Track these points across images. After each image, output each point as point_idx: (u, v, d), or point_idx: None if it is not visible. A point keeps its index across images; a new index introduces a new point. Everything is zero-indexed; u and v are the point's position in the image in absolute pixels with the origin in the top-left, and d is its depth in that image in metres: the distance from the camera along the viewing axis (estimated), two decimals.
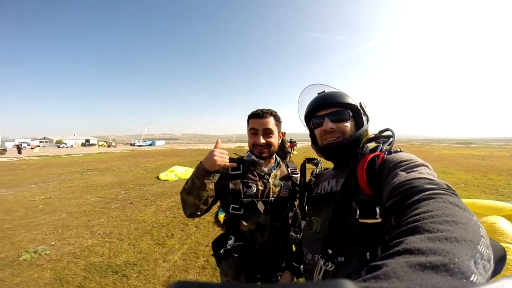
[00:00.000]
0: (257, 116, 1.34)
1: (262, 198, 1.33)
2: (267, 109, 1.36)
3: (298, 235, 1.44)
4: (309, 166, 1.31)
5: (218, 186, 1.28)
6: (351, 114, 1.01)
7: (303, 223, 1.16)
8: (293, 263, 1.30)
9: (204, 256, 3.40)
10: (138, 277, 2.93)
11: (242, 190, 1.31)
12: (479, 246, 0.36)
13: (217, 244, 1.38)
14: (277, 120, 1.39)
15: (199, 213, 1.21)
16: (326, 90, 1.12)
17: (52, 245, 3.86)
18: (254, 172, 1.38)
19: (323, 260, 0.85)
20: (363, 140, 0.99)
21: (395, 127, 1.00)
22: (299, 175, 1.50)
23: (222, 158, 1.12)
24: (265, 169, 1.41)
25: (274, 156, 1.45)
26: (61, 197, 7.10)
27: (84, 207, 6.02)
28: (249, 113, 1.39)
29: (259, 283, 1.28)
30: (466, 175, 9.69)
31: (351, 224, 0.83)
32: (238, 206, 1.31)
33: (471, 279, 0.29)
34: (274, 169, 1.44)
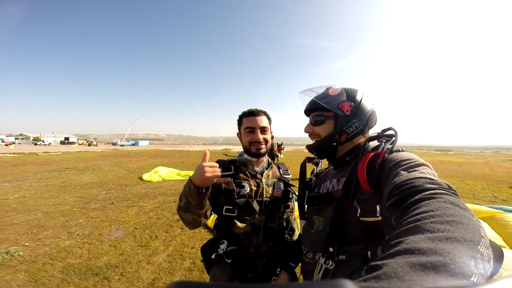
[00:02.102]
0: (252, 114, 1.36)
1: (256, 198, 1.31)
2: (259, 109, 1.39)
3: (293, 238, 1.42)
4: (309, 165, 1.30)
5: (212, 190, 1.24)
6: (325, 116, 1.02)
7: (302, 222, 1.15)
8: (290, 263, 1.27)
9: (190, 258, 3.32)
10: (120, 279, 2.81)
11: (235, 190, 1.29)
12: (479, 247, 0.36)
13: (208, 249, 1.35)
14: (269, 119, 1.42)
15: (201, 224, 1.23)
16: (317, 92, 1.12)
17: (26, 245, 3.64)
18: (246, 172, 1.37)
19: (324, 259, 0.84)
20: (365, 139, 0.99)
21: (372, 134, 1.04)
22: (290, 175, 1.53)
23: (214, 173, 1.06)
24: (257, 169, 1.40)
25: (266, 155, 1.45)
26: (36, 196, 6.75)
27: (61, 207, 5.74)
28: (241, 113, 1.41)
29: None
30: (445, 180, 10.06)
31: (352, 223, 0.83)
32: (231, 207, 1.27)
33: (472, 279, 0.29)
34: (266, 169, 1.44)
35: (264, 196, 1.33)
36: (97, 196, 6.87)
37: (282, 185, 1.42)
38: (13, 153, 25.29)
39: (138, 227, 4.49)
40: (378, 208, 0.76)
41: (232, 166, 1.36)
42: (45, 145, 74.95)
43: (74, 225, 4.58)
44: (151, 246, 3.66)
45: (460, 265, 0.31)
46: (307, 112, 1.11)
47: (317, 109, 1.05)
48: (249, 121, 1.35)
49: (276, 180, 1.43)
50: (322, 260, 0.85)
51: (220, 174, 1.08)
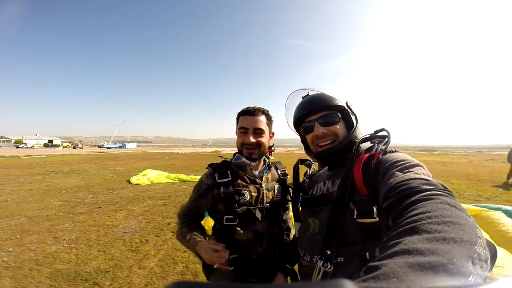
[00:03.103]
0: (248, 113, 1.26)
1: (257, 204, 1.25)
2: (259, 107, 1.29)
3: (290, 238, 1.41)
4: (301, 167, 1.28)
5: (210, 199, 1.24)
6: (340, 115, 0.99)
7: (297, 225, 1.14)
8: (286, 265, 1.26)
9: (183, 262, 3.27)
10: (111, 284, 2.74)
11: (235, 199, 1.21)
12: (476, 247, 0.36)
13: None
14: (269, 119, 1.32)
15: None
16: (310, 93, 1.10)
17: (10, 251, 3.51)
18: (245, 177, 1.28)
19: (322, 261, 0.83)
20: (358, 140, 0.97)
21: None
22: (288, 176, 1.46)
23: (219, 259, 1.08)
24: (256, 173, 1.32)
25: (263, 157, 1.38)
26: (19, 201, 6.51)
27: (46, 211, 5.56)
28: (239, 111, 1.31)
29: None
30: None
31: (349, 225, 0.82)
32: (232, 216, 1.20)
33: (470, 279, 0.30)
34: (265, 171, 1.36)
35: (265, 201, 1.28)
36: (83, 200, 6.69)
37: (281, 188, 1.37)
38: None
39: (127, 231, 4.40)
40: (375, 209, 0.75)
41: (229, 172, 1.26)
42: (27, 148, 72.26)
43: (60, 229, 4.44)
44: (141, 251, 3.59)
45: (458, 265, 0.31)
46: (308, 113, 1.04)
47: (325, 109, 1.00)
48: (243, 120, 1.26)
49: (275, 182, 1.38)
50: (320, 263, 0.83)
51: (224, 259, 1.09)
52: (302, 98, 1.10)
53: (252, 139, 1.23)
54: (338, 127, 0.98)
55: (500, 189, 8.14)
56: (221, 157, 1.42)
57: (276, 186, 1.36)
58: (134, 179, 9.73)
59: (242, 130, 1.26)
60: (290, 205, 1.45)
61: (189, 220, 1.30)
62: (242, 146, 1.27)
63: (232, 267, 1.18)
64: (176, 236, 1.29)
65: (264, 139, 1.28)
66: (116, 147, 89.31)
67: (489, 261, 0.36)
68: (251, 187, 1.27)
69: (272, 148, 12.85)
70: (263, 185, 1.29)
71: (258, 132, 1.25)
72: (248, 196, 1.23)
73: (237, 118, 1.32)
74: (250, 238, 1.22)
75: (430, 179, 0.63)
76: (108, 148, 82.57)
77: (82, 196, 7.16)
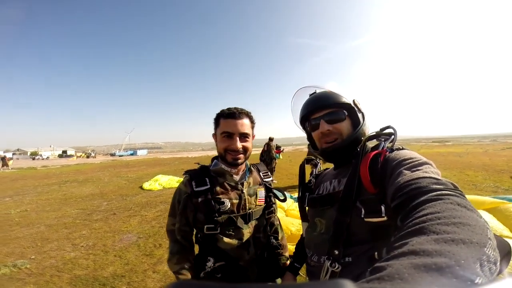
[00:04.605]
0: (232, 116, 1.18)
1: (239, 211, 1.21)
2: (242, 109, 1.21)
3: (278, 240, 1.40)
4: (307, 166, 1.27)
5: (192, 208, 1.18)
6: (346, 113, 0.98)
7: (304, 225, 1.13)
8: (295, 264, 1.24)
9: None
10: None
11: (214, 209, 1.15)
12: (485, 249, 0.35)
13: (195, 267, 1.22)
14: (252, 121, 1.26)
15: None
16: (318, 91, 1.08)
17: (32, 258, 3.66)
18: (225, 184, 1.22)
19: (330, 262, 0.82)
20: (364, 138, 0.94)
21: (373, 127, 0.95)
22: (271, 178, 1.43)
23: None
24: (237, 178, 1.26)
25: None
26: (38, 210, 6.75)
27: (64, 219, 5.75)
28: (219, 111, 1.23)
29: None
30: (445, 172, 9.89)
31: (356, 224, 0.81)
32: (213, 225, 1.15)
33: (476, 281, 0.29)
34: (247, 176, 1.31)
35: (248, 208, 1.23)
36: (98, 207, 6.87)
37: (264, 191, 1.33)
38: (11, 168, 25.19)
39: (141, 236, 4.50)
40: (383, 208, 0.74)
41: (207, 179, 1.19)
42: (43, 159, 74.43)
43: (78, 236, 4.60)
44: (155, 255, 3.67)
45: (465, 267, 0.30)
46: (314, 111, 1.02)
47: (331, 106, 0.99)
48: (227, 124, 1.17)
49: (258, 186, 1.32)
50: (328, 263, 0.82)
51: None
52: (309, 96, 1.08)
53: (239, 145, 1.17)
54: (343, 125, 0.97)
55: None
56: (198, 163, 1.34)
57: (259, 190, 1.32)
58: (146, 185, 9.89)
59: (226, 135, 1.18)
60: (275, 207, 1.42)
61: (182, 236, 1.23)
62: (226, 152, 1.20)
63: (219, 275, 1.15)
64: (167, 260, 1.23)
65: (250, 144, 1.24)
66: (128, 155, 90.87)
67: (498, 263, 0.36)
68: (232, 194, 1.22)
69: (281, 149, 12.78)
70: (244, 191, 1.24)
71: (244, 136, 1.20)
72: (229, 204, 1.18)
73: (216, 120, 1.24)
74: (234, 246, 1.18)
75: (439, 178, 0.62)
76: (120, 156, 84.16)
77: (97, 204, 7.35)
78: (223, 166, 1.24)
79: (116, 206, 6.94)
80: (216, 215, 1.15)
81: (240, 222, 1.19)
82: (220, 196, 1.19)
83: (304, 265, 1.16)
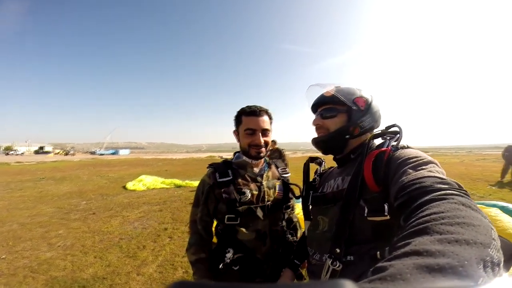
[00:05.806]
0: (254, 114, 1.26)
1: (258, 203, 1.26)
2: (261, 107, 1.29)
3: (295, 238, 1.40)
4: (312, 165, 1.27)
5: (213, 199, 1.25)
6: (337, 110, 0.99)
7: (307, 223, 1.12)
8: (295, 261, 1.22)
9: (183, 267, 3.21)
10: None
11: (236, 199, 1.22)
12: (489, 250, 0.35)
13: (213, 258, 1.25)
14: (271, 118, 1.34)
15: None
16: (325, 88, 1.11)
17: (3, 258, 3.42)
18: (246, 176, 1.30)
19: (331, 260, 0.82)
20: (369, 136, 0.96)
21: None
22: (289, 174, 1.48)
23: None
24: (257, 170, 1.35)
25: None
26: (10, 207, 6.37)
27: (38, 218, 5.44)
28: (240, 109, 1.30)
29: None
30: None
31: (359, 222, 0.80)
32: (234, 215, 1.21)
33: (479, 282, 0.29)
34: (266, 170, 1.38)
35: (266, 200, 1.29)
36: (77, 207, 6.56)
37: (282, 186, 1.38)
38: None
39: (123, 237, 4.31)
40: (386, 207, 0.73)
41: (230, 171, 1.27)
42: (17, 154, 70.78)
43: (54, 236, 4.35)
44: (139, 257, 3.51)
45: (468, 268, 0.30)
46: (316, 106, 1.08)
47: (328, 103, 1.02)
48: (250, 121, 1.25)
49: (276, 180, 1.39)
50: (329, 262, 0.82)
51: None
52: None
53: (262, 140, 1.26)
54: (334, 120, 1.00)
55: (494, 188, 8.25)
56: (221, 157, 1.41)
57: (277, 184, 1.37)
58: (130, 185, 9.59)
59: (250, 132, 1.25)
60: (292, 203, 1.46)
61: (203, 226, 1.27)
62: (250, 146, 1.27)
63: (237, 267, 1.19)
64: (186, 249, 1.30)
65: (270, 138, 1.33)
66: (109, 154, 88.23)
67: (502, 264, 0.35)
68: (252, 185, 1.28)
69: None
70: (263, 183, 1.31)
71: (265, 132, 1.29)
72: (249, 195, 1.24)
73: (238, 118, 1.31)
74: (252, 237, 1.23)
75: (444, 177, 0.61)
76: (101, 154, 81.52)
77: (75, 203, 7.02)
78: (245, 158, 1.32)
79: (96, 206, 6.65)
80: (237, 204, 1.21)
81: (259, 212, 1.24)
82: (242, 187, 1.25)
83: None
